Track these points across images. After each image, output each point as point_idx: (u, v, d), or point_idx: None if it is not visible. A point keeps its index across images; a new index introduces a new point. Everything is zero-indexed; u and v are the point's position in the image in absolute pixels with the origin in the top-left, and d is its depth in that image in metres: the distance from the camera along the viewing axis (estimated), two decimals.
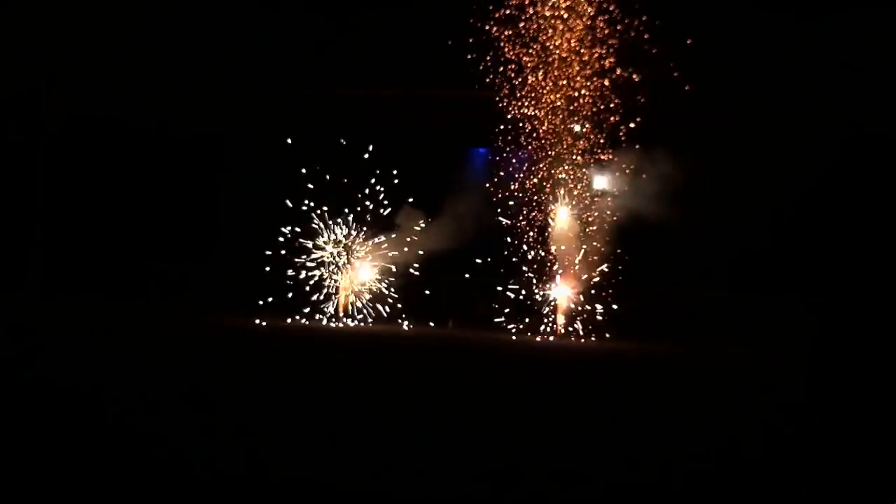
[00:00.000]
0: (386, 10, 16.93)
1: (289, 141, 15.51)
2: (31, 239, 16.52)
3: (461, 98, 16.45)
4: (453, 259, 15.12)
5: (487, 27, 14.18)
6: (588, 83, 13.81)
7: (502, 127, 14.56)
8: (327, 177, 14.85)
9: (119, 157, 17.03)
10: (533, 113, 14.31)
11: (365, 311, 15.01)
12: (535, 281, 14.36)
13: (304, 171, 14.97)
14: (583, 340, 13.84)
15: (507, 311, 14.64)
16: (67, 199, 16.91)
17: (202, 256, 16.69)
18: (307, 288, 14.95)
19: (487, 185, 14.96)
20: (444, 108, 16.84)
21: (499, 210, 14.62)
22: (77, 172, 17.01)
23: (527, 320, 14.32)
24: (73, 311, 14.20)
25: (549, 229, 14.26)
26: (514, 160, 15.64)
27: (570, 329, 14.18)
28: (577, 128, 13.88)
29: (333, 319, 14.90)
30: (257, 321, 14.10)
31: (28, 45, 16.23)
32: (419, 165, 15.82)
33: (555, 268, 14.30)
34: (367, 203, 15.04)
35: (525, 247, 14.41)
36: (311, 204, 15.00)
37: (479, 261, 14.77)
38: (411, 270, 14.88)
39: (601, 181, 14.03)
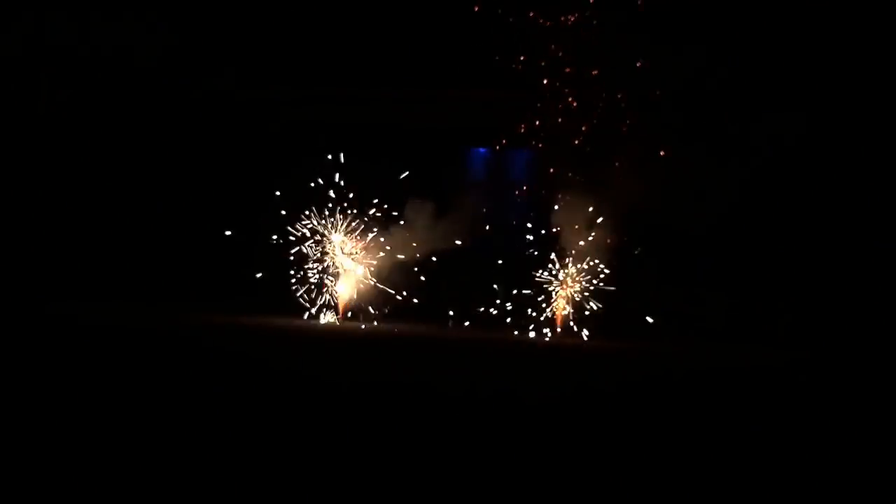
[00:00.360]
0: (387, 10, 16.96)
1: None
2: (29, 238, 16.47)
3: (461, 98, 16.54)
4: (453, 258, 15.18)
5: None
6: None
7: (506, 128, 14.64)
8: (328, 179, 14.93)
9: (119, 155, 17.01)
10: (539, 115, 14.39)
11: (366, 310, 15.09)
12: (536, 281, 14.45)
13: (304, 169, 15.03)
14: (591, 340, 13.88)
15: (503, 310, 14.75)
16: (67, 196, 16.89)
17: (203, 256, 16.69)
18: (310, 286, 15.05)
19: (489, 185, 15.04)
20: (444, 108, 16.87)
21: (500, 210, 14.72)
22: (77, 170, 16.98)
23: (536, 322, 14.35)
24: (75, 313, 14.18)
25: (552, 226, 14.31)
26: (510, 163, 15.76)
27: (571, 329, 14.25)
28: None
29: (335, 319, 14.98)
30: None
31: (28, 39, 16.19)
32: (419, 165, 15.86)
33: (556, 267, 14.39)
34: (368, 202, 15.12)
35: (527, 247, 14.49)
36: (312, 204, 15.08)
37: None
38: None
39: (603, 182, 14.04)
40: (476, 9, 14.51)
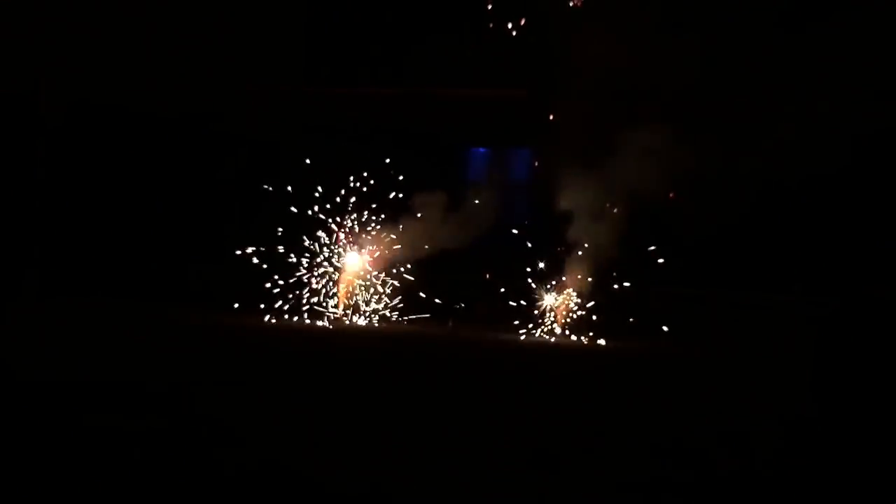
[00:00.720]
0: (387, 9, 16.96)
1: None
2: (30, 239, 16.38)
3: (461, 98, 16.53)
4: (453, 258, 15.14)
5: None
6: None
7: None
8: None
9: (121, 154, 16.97)
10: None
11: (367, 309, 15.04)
12: (537, 280, 14.42)
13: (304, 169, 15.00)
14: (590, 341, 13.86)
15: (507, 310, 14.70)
16: (67, 197, 16.83)
17: (202, 256, 16.64)
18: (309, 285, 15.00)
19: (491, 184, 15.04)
20: (444, 108, 16.86)
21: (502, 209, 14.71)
22: (77, 170, 16.93)
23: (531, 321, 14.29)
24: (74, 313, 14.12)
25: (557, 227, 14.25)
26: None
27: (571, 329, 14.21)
28: None
29: (335, 318, 14.93)
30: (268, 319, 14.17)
31: (26, 37, 16.13)
32: (419, 165, 15.84)
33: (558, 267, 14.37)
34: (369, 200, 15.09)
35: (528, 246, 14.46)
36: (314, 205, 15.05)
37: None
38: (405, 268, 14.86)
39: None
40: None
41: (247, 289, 15.10)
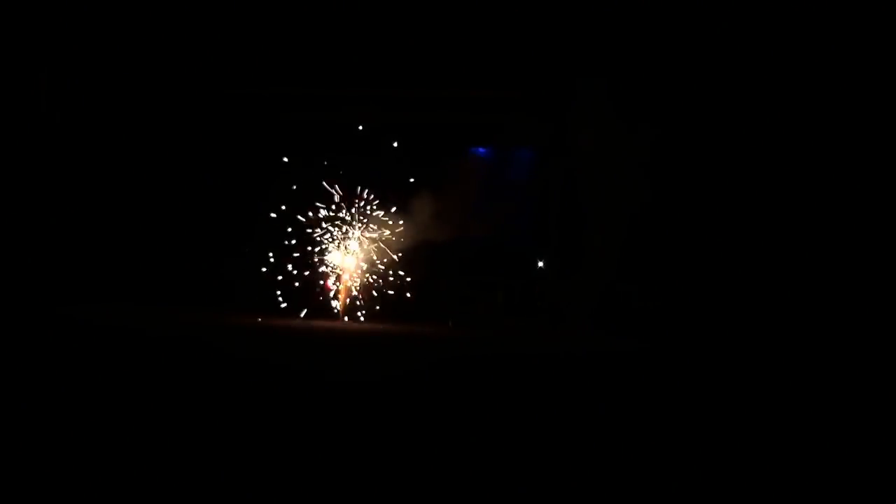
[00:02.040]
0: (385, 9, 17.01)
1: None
2: (33, 242, 16.39)
3: (461, 98, 16.62)
4: (454, 257, 15.24)
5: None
6: None
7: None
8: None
9: (122, 155, 17.02)
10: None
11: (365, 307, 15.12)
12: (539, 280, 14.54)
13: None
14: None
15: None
16: (68, 199, 16.86)
17: (203, 256, 16.70)
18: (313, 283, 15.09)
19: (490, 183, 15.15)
20: (443, 109, 16.95)
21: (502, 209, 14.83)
22: (78, 171, 16.97)
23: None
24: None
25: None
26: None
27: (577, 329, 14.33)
28: None
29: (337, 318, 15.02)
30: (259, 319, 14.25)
31: (25, 36, 16.16)
32: (419, 165, 15.93)
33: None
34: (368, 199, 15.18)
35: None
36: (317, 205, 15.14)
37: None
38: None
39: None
40: None
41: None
